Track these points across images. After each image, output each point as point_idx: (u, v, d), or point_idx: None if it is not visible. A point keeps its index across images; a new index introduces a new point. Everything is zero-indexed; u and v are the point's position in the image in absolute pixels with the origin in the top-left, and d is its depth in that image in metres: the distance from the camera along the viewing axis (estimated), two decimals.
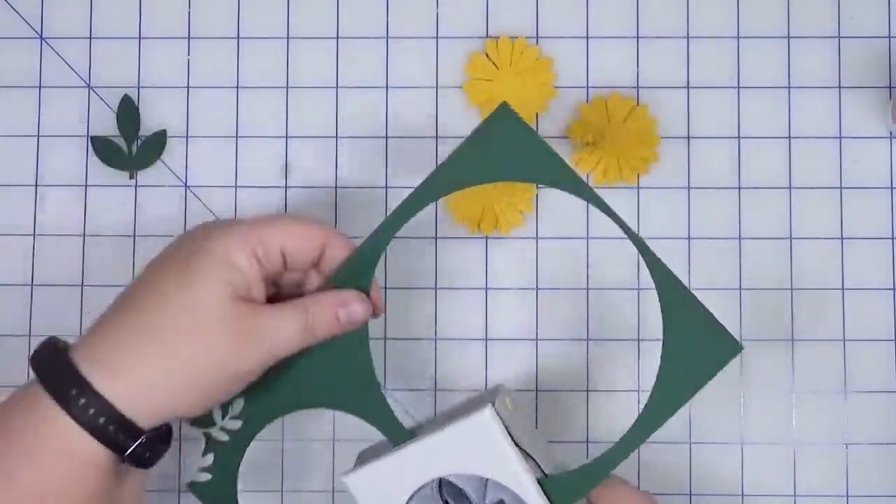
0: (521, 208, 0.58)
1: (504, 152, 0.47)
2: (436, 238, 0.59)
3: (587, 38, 0.60)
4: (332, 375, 0.49)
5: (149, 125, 0.60)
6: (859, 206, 0.59)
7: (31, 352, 0.45)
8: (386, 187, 0.59)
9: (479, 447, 0.47)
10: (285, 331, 0.47)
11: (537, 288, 0.59)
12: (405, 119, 0.59)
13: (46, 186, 0.59)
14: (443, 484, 0.48)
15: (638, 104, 0.59)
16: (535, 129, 0.59)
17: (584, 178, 0.59)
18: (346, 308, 0.48)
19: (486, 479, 0.47)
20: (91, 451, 0.44)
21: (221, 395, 0.46)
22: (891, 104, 0.58)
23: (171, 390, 0.45)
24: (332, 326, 0.48)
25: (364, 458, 0.50)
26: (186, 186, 0.59)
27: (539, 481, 0.47)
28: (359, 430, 0.58)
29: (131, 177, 0.59)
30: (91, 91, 0.60)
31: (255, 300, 0.47)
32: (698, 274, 0.58)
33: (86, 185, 0.59)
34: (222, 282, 0.45)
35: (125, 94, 0.59)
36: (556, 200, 0.59)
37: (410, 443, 0.48)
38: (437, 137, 0.59)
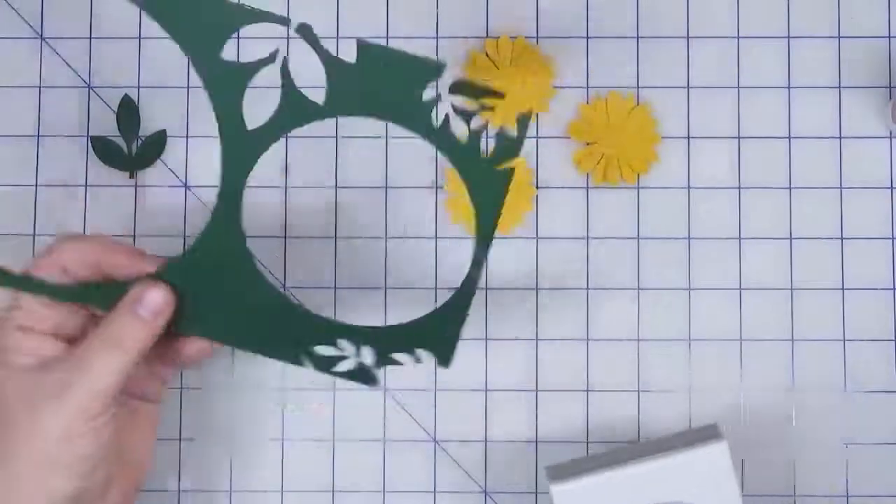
0: (521, 209, 0.58)
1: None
2: (436, 238, 0.59)
3: (587, 38, 0.60)
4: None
5: (149, 125, 0.60)
6: (859, 206, 0.59)
7: None
8: (386, 187, 0.59)
9: (705, 479, 0.48)
10: (95, 370, 0.45)
11: (537, 288, 0.59)
12: None
13: (46, 186, 0.59)
14: None
15: (638, 104, 0.59)
16: (534, 130, 0.59)
17: (585, 178, 0.59)
18: (140, 302, 0.46)
19: None
20: None
21: (81, 479, 0.45)
22: (891, 104, 0.58)
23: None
24: (141, 329, 0.46)
25: (561, 471, 0.50)
26: (186, 186, 0.59)
27: None
28: (361, 431, 0.58)
29: (131, 177, 0.59)
30: (91, 91, 0.60)
31: (50, 357, 0.46)
32: (698, 274, 0.58)
33: (86, 185, 0.59)
34: (4, 367, 0.45)
35: (125, 94, 0.59)
36: (556, 201, 0.59)
37: (630, 464, 0.49)
38: None
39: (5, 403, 0.45)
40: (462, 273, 0.60)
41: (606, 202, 0.59)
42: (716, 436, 0.49)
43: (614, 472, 0.49)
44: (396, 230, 0.59)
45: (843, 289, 0.58)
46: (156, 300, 0.46)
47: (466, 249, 0.59)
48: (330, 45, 0.60)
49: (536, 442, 0.58)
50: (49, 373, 0.45)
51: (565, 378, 0.58)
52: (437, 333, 0.49)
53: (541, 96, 0.59)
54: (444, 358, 0.49)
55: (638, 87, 0.59)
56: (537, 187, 0.59)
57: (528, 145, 0.59)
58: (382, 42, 0.60)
